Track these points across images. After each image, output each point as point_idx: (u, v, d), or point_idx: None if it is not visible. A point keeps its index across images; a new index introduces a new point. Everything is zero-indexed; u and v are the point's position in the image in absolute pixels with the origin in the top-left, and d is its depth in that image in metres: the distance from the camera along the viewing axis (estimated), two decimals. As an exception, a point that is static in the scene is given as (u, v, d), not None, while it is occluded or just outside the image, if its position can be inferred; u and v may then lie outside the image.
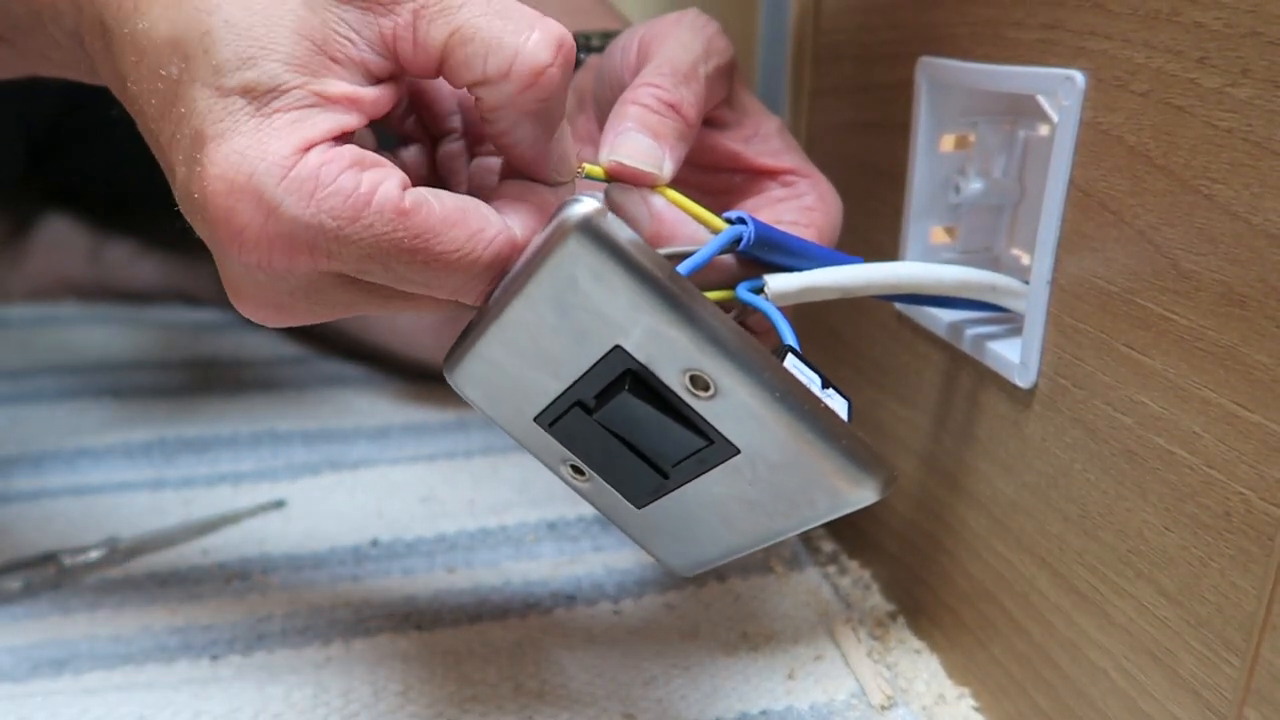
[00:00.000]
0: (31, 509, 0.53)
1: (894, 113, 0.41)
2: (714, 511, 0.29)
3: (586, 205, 0.25)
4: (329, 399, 0.65)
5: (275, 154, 0.25)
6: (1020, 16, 0.33)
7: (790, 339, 0.29)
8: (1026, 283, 0.34)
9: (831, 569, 0.48)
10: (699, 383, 0.26)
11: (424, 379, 0.67)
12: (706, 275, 0.30)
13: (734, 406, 0.26)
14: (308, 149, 0.25)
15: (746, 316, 0.31)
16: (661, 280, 0.25)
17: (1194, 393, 0.28)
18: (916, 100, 0.39)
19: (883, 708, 0.39)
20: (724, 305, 0.30)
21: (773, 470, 0.27)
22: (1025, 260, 0.39)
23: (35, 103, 0.63)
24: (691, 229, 0.31)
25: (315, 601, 0.46)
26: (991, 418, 0.37)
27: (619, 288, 0.25)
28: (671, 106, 0.32)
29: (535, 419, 0.29)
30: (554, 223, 0.25)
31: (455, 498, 0.54)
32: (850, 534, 0.50)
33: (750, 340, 0.25)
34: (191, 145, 0.26)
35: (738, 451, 0.27)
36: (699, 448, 0.27)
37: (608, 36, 0.48)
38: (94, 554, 0.48)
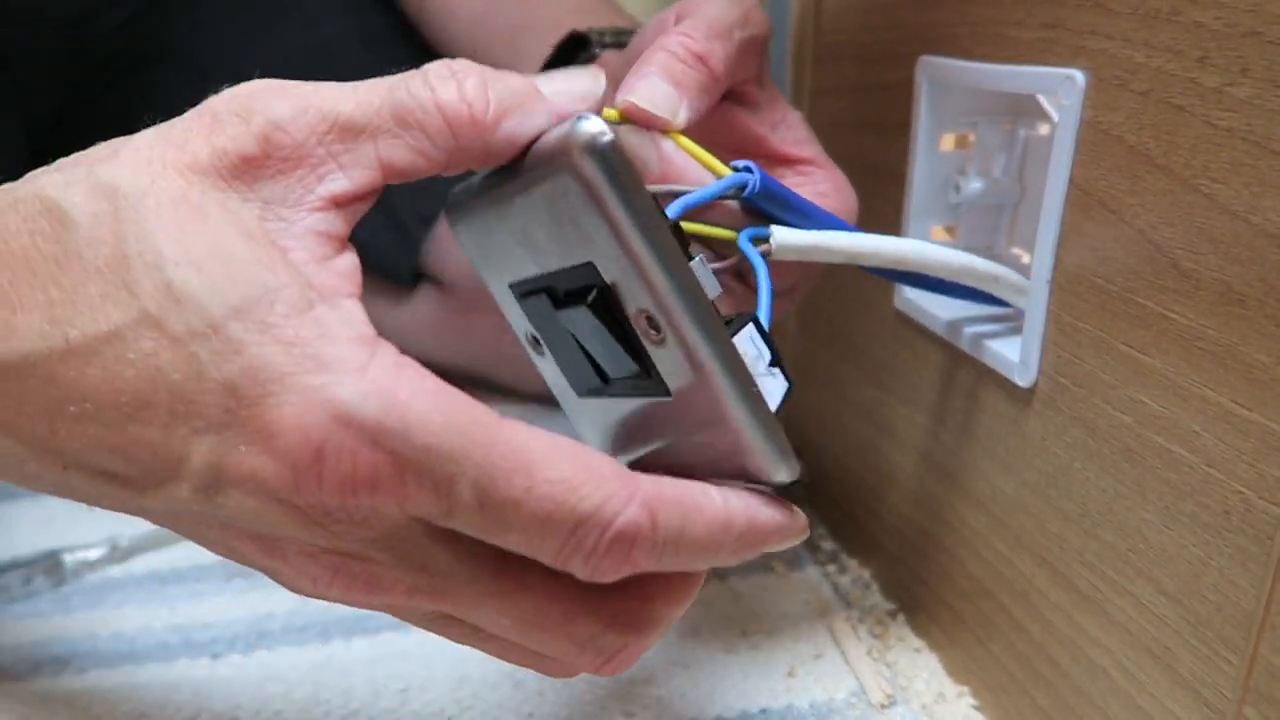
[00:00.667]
0: (33, 507, 0.53)
1: (894, 112, 0.41)
2: (639, 433, 0.30)
3: (595, 126, 0.25)
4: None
5: (346, 365, 0.22)
6: (1020, 16, 0.33)
7: (764, 307, 0.29)
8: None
9: (831, 568, 0.49)
10: (652, 323, 0.26)
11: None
12: (713, 217, 0.31)
13: (675, 358, 0.26)
14: (372, 345, 0.23)
15: (744, 263, 0.32)
16: (644, 219, 0.25)
17: (1193, 391, 0.28)
18: (917, 100, 0.39)
19: (882, 706, 0.39)
20: (724, 245, 0.30)
21: (694, 426, 0.27)
22: (1025, 259, 0.39)
23: (33, 103, 0.63)
24: (698, 175, 0.31)
25: (316, 600, 0.46)
26: (991, 416, 0.37)
27: (605, 214, 0.25)
28: (699, 58, 0.32)
29: (510, 286, 0.30)
30: (563, 131, 0.26)
31: (456, 496, 0.54)
32: (850, 532, 0.50)
33: (707, 304, 0.26)
34: (223, 418, 0.23)
35: (669, 395, 0.27)
36: (636, 375, 0.28)
37: (620, 33, 0.48)
38: (95, 552, 0.48)
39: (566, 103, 0.27)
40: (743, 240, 0.30)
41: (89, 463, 0.24)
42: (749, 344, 0.27)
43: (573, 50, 0.49)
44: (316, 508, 0.23)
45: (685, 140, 0.31)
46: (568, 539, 0.23)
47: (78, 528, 0.51)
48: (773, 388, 0.27)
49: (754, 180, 0.30)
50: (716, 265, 0.31)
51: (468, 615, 0.26)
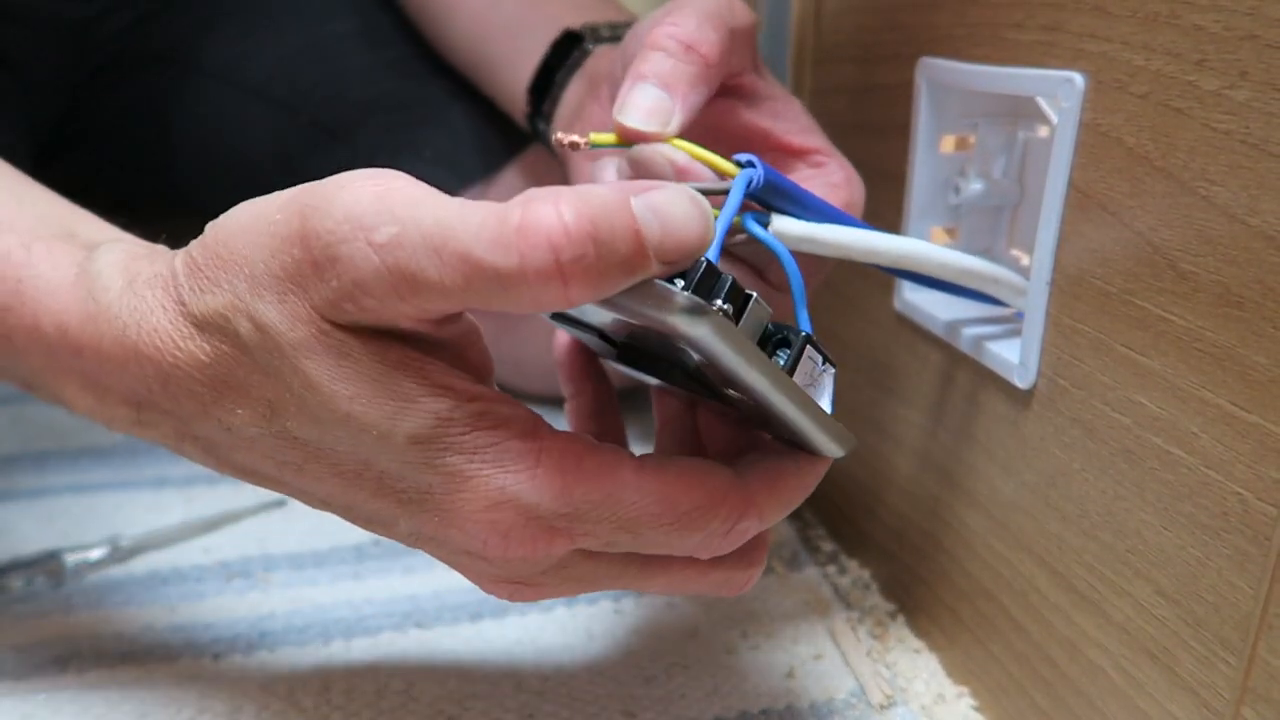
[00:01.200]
0: (34, 507, 0.53)
1: (894, 114, 0.41)
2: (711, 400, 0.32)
3: (696, 302, 0.25)
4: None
5: (519, 466, 0.26)
6: (1020, 18, 0.33)
7: (804, 317, 0.30)
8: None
9: (831, 568, 0.49)
10: (737, 390, 0.28)
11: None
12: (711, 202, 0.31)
13: (749, 400, 0.28)
14: (539, 441, 0.26)
15: (746, 247, 0.32)
16: (741, 363, 0.26)
17: (1192, 393, 0.28)
18: (917, 101, 0.39)
19: (882, 707, 0.39)
20: (729, 232, 0.31)
21: (763, 415, 0.30)
22: (1025, 261, 0.39)
23: (39, 105, 0.63)
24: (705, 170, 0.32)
25: (317, 600, 0.46)
26: (990, 417, 0.37)
27: (705, 356, 0.27)
28: (688, 47, 0.32)
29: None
30: (669, 298, 0.25)
31: (456, 497, 0.54)
32: (850, 533, 0.50)
33: (790, 390, 0.27)
34: (421, 501, 0.27)
35: (735, 404, 0.29)
36: (702, 391, 0.30)
37: (615, 27, 0.48)
38: (96, 552, 0.48)
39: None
40: (754, 227, 0.30)
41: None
42: (809, 360, 0.28)
43: (569, 47, 0.49)
44: (497, 560, 0.27)
45: (685, 144, 0.31)
46: (700, 545, 0.28)
47: (79, 528, 0.51)
48: (826, 382, 0.29)
49: (758, 175, 0.30)
50: (729, 242, 0.32)
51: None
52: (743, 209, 0.31)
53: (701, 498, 0.27)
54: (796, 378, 0.28)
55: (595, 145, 0.31)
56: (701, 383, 0.30)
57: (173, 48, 0.65)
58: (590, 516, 0.27)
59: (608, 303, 0.25)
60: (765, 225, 0.31)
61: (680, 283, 0.26)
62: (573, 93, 0.47)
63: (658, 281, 0.25)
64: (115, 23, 0.64)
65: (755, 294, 0.27)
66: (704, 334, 0.24)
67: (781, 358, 0.28)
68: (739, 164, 0.31)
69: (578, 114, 0.44)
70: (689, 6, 0.33)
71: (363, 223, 0.23)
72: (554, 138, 0.30)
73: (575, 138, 0.30)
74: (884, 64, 0.42)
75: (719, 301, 0.26)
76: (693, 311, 0.24)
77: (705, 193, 0.29)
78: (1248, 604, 0.27)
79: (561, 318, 0.31)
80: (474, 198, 0.58)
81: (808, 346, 0.28)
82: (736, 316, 0.26)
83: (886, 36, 0.42)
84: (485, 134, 0.61)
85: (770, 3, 0.56)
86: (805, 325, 0.29)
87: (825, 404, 0.29)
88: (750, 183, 0.30)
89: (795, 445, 0.31)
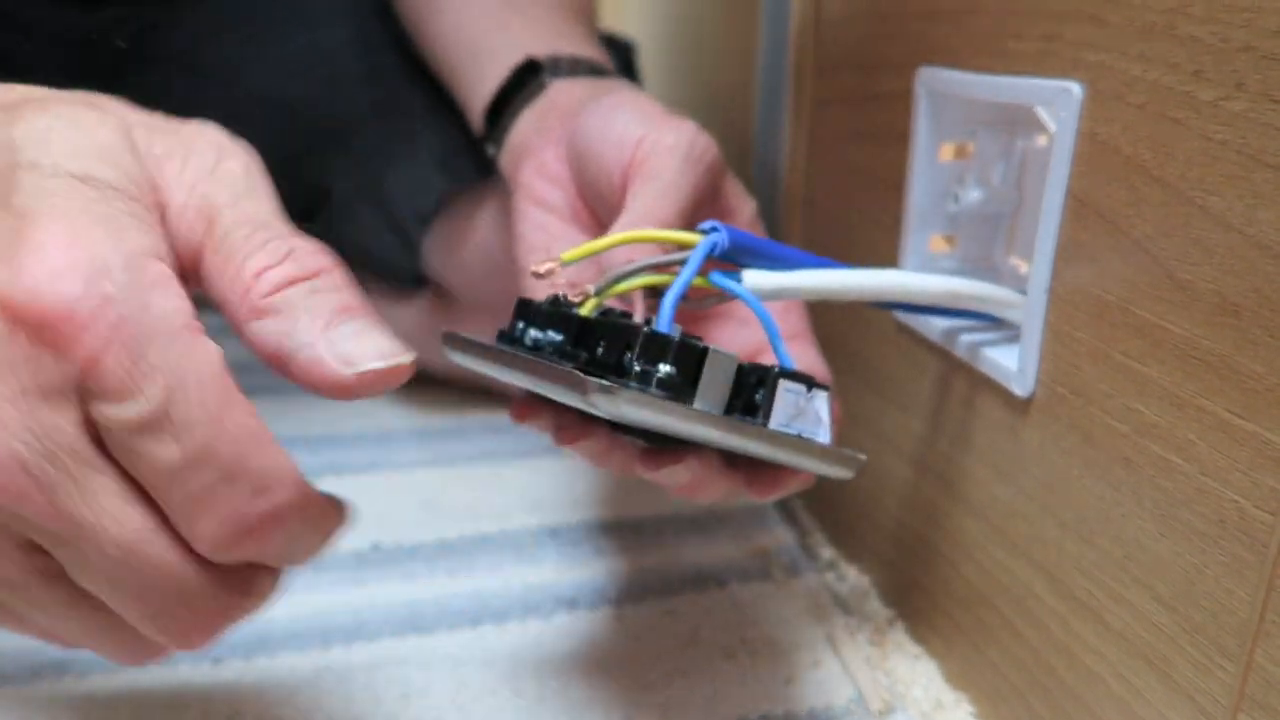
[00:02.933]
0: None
1: (894, 122, 0.41)
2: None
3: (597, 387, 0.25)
4: (331, 404, 0.65)
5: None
6: (1019, 28, 0.33)
7: (780, 350, 0.30)
8: (1023, 292, 0.35)
9: (830, 575, 0.49)
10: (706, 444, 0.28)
11: (426, 384, 0.68)
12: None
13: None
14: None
15: (720, 304, 0.32)
16: (683, 421, 0.26)
17: (1189, 401, 0.28)
18: (916, 110, 0.39)
19: (881, 713, 0.40)
20: (701, 291, 0.31)
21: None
22: (1023, 269, 0.39)
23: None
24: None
25: (317, 605, 0.46)
26: (989, 425, 0.37)
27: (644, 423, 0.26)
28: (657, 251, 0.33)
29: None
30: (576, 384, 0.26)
31: (456, 502, 0.55)
32: (849, 540, 0.50)
33: (753, 433, 0.27)
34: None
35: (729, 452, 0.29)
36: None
37: (578, 63, 0.48)
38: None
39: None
40: (722, 281, 0.30)
41: None
42: (787, 394, 0.28)
43: (527, 76, 0.48)
44: None
45: (649, 233, 0.32)
46: None
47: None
48: (816, 407, 0.29)
49: (721, 239, 0.30)
50: (703, 305, 0.32)
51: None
52: (707, 271, 0.31)
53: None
54: (778, 413, 0.28)
55: (567, 263, 0.31)
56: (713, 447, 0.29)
57: (170, 52, 0.65)
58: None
59: (540, 385, 0.26)
60: (738, 282, 0.31)
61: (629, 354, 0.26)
62: (525, 123, 0.46)
63: (573, 370, 0.26)
64: (119, 33, 0.64)
65: (712, 347, 0.27)
66: (622, 409, 0.25)
67: (760, 396, 0.28)
68: (703, 232, 0.31)
69: (525, 148, 0.44)
70: (642, 215, 0.35)
71: None
72: (530, 269, 0.30)
73: (550, 265, 0.30)
74: (883, 73, 0.42)
75: (664, 367, 0.26)
76: (604, 391, 0.25)
77: (675, 264, 0.29)
78: (1245, 611, 0.27)
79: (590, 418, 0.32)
80: (469, 201, 0.59)
81: (782, 382, 0.28)
82: (694, 372, 0.27)
83: (886, 46, 0.42)
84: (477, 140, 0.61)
85: (770, 12, 0.56)
86: (785, 361, 0.29)
87: (821, 431, 0.29)
88: (714, 247, 0.30)
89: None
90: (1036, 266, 0.33)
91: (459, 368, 0.64)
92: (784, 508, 0.55)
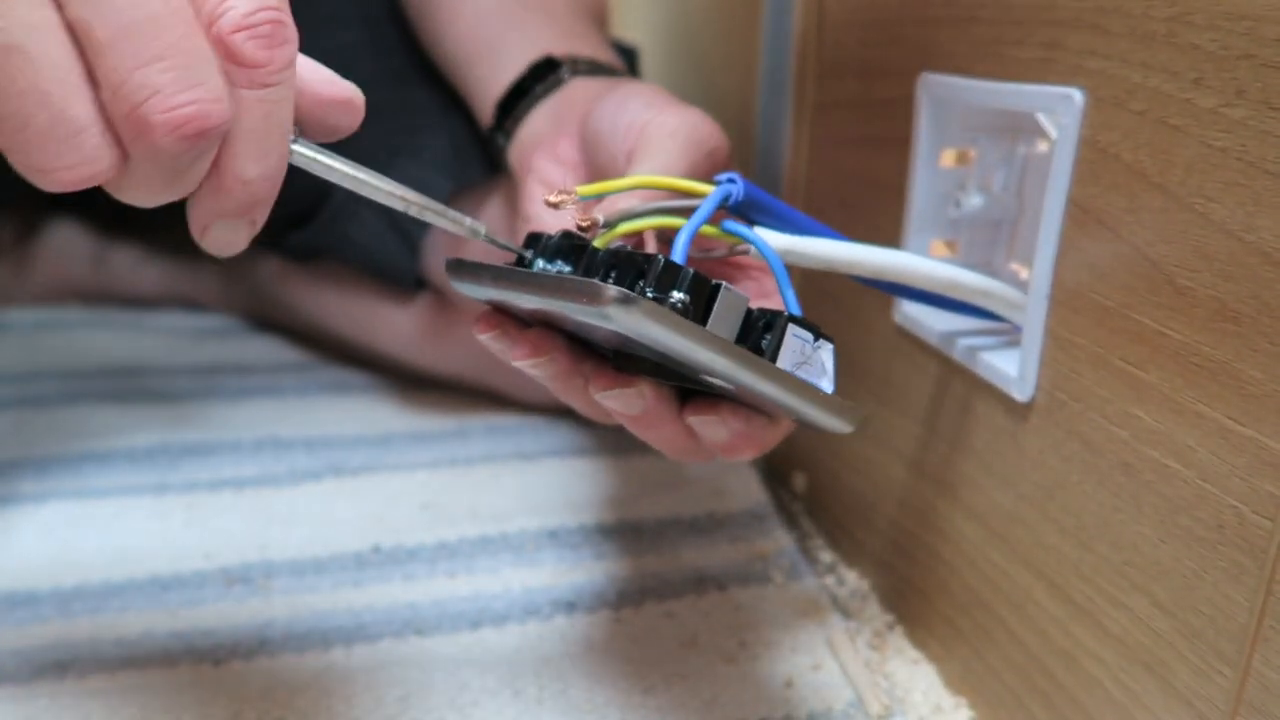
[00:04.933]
0: (35, 513, 0.53)
1: (895, 128, 0.41)
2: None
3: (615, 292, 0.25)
4: (331, 405, 0.66)
5: None
6: (1020, 35, 0.34)
7: (790, 299, 0.30)
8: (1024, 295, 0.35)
9: (830, 579, 0.49)
10: (712, 376, 0.28)
11: (426, 386, 0.68)
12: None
13: (736, 387, 0.28)
14: None
15: (732, 252, 0.32)
16: (693, 343, 0.26)
17: (1188, 407, 0.28)
18: (917, 116, 0.39)
19: (880, 717, 0.40)
20: (710, 241, 0.31)
21: (759, 400, 0.29)
22: (1024, 274, 0.39)
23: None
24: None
25: (317, 607, 0.46)
26: (989, 430, 0.37)
27: (654, 343, 0.26)
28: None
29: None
30: (590, 290, 0.25)
31: (456, 504, 0.55)
32: (848, 544, 0.50)
33: (764, 366, 0.27)
34: None
35: (732, 390, 0.29)
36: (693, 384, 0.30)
37: (594, 65, 0.48)
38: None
39: None
40: (737, 228, 0.31)
41: None
42: (795, 339, 0.28)
43: (545, 71, 0.49)
44: None
45: (662, 179, 0.32)
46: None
47: (79, 534, 0.51)
48: (822, 357, 0.29)
49: (738, 190, 0.31)
50: (712, 255, 0.32)
51: None
52: (718, 221, 0.32)
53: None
54: (785, 358, 0.28)
55: (581, 197, 0.31)
56: (698, 381, 0.29)
57: None
58: None
59: (554, 301, 0.26)
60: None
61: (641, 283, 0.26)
62: (539, 115, 0.46)
63: (593, 280, 0.25)
64: None
65: (725, 284, 0.27)
66: (638, 321, 0.25)
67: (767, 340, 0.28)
68: (719, 183, 0.31)
69: (538, 138, 0.44)
70: (653, 159, 0.35)
71: None
72: (544, 199, 0.31)
73: (563, 196, 0.30)
74: (886, 79, 0.42)
75: (678, 294, 0.26)
76: (622, 301, 0.25)
77: (688, 210, 0.30)
78: (1243, 616, 0.27)
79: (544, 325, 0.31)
80: (473, 200, 0.59)
81: (790, 325, 0.28)
82: (705, 307, 0.27)
83: (888, 52, 0.42)
84: (484, 140, 0.62)
85: (773, 18, 0.56)
86: (793, 308, 0.29)
87: (825, 381, 0.29)
88: (728, 196, 0.31)
89: (807, 426, 0.30)
90: (1037, 272, 0.33)
91: (459, 370, 0.65)
92: (784, 511, 0.55)
